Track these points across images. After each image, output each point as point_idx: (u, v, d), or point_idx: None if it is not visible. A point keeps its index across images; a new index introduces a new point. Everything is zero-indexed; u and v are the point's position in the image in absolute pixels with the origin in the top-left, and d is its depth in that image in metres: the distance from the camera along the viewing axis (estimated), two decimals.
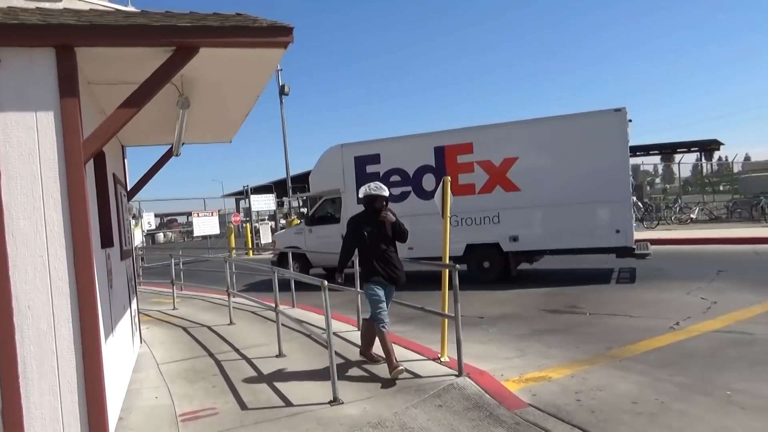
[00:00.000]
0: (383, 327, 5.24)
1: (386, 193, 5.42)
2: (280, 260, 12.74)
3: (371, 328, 5.49)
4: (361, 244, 5.40)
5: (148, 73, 3.69)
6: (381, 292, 5.33)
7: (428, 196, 11.08)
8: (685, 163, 47.05)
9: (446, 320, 5.61)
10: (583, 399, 4.56)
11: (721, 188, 29.40)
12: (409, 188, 11.61)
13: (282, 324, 6.63)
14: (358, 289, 6.79)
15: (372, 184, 5.45)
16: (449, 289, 5.51)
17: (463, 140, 11.20)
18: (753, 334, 6.21)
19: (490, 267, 11.10)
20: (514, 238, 10.79)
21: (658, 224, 20.27)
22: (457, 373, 5.07)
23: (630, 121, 10.58)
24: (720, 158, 47.25)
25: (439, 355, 5.67)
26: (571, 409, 4.34)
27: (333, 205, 12.95)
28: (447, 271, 5.65)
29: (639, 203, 21.67)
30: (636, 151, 46.61)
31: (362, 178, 11.87)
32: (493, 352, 6.17)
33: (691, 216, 21.39)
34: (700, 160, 42.59)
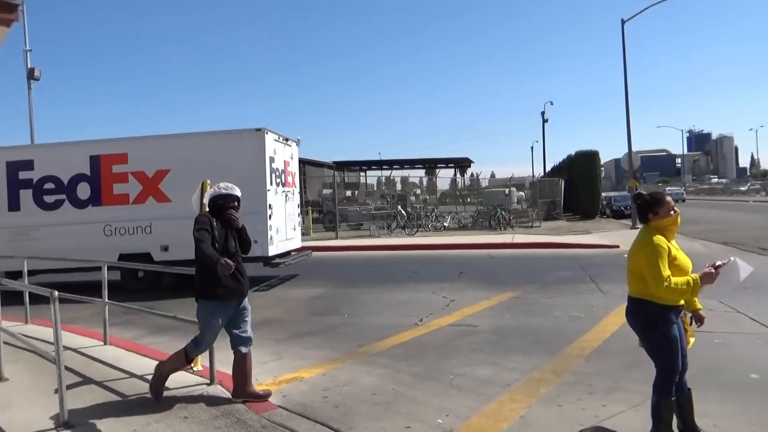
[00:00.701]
0: (191, 355, 4.65)
1: (239, 192, 4.83)
2: None
3: (238, 362, 4.62)
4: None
5: None
6: (220, 316, 4.55)
7: (83, 204, 11.27)
8: (444, 177, 52.71)
9: None
10: (329, 395, 4.82)
11: (469, 200, 33.71)
12: (64, 196, 11.42)
13: (6, 343, 5.73)
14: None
15: (222, 184, 4.84)
16: None
17: (118, 150, 11.33)
18: (477, 326, 7.25)
19: (144, 276, 11.27)
20: (165, 248, 11.04)
21: (417, 231, 22.42)
22: (208, 382, 4.95)
23: (298, 139, 12.44)
24: (472, 174, 54.20)
25: (193, 365, 5.46)
26: (318, 406, 4.55)
27: None
28: None
29: (402, 212, 23.76)
30: (404, 164, 51.12)
31: (14, 184, 11.52)
32: None
33: (444, 224, 24.17)
34: (455, 175, 48.32)
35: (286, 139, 12.06)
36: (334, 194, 23.85)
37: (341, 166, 45.82)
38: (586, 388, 4.81)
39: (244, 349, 4.65)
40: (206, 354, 5.01)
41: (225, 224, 4.69)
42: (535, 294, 9.33)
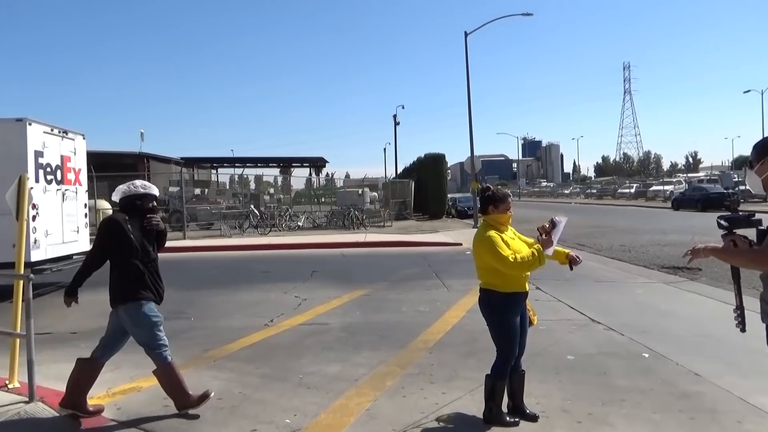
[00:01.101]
0: (169, 359, 4.41)
1: (156, 191, 4.56)
2: None
3: (88, 369, 4.33)
4: (127, 253, 4.26)
5: None
6: (154, 309, 4.45)
7: None
8: (299, 177, 52.33)
9: (17, 340, 4.85)
10: (171, 403, 4.54)
11: (324, 200, 33.91)
12: None
13: None
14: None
15: (137, 182, 4.48)
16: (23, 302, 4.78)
17: None
18: (328, 324, 7.31)
19: None
20: None
21: (270, 230, 22.05)
22: (26, 399, 4.42)
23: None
24: (327, 174, 54.57)
25: (8, 382, 4.85)
26: (157, 416, 4.29)
27: None
28: (21, 282, 4.89)
29: (255, 211, 23.22)
30: (258, 162, 50.03)
31: None
32: None
33: (299, 224, 24.07)
34: (311, 174, 48.39)
35: (65, 132, 10.80)
36: (181, 192, 22.58)
37: (191, 162, 43.70)
38: (428, 378, 5.07)
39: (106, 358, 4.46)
40: (25, 368, 4.47)
41: (144, 226, 4.40)
42: (385, 291, 9.64)
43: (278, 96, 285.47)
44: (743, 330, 2.86)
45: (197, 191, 29.37)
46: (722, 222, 2.94)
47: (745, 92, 58.65)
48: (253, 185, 46.21)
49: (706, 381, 4.84)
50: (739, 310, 2.88)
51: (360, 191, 29.16)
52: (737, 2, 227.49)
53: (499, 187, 4.31)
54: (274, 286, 10.39)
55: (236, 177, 44.86)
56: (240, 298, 9.36)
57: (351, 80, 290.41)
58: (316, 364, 5.60)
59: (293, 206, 30.31)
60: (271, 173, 56.59)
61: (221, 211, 24.57)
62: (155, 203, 4.56)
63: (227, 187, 42.27)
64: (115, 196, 4.55)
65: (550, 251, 3.97)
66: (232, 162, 47.37)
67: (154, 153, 36.23)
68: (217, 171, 49.31)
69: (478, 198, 4.33)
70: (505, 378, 4.00)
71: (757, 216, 2.88)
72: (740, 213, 2.94)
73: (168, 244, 16.63)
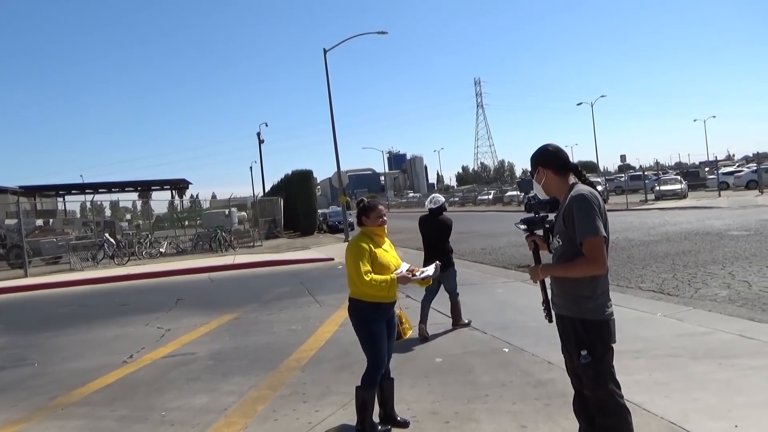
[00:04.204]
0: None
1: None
2: None
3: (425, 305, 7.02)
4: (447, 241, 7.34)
5: None
6: None
7: None
8: (160, 200, 49.40)
9: None
10: None
11: (188, 223, 32.24)
12: None
13: None
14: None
15: (436, 195, 7.46)
16: None
17: None
18: (195, 353, 6.92)
19: None
20: None
21: (129, 260, 20.50)
22: None
23: None
24: (192, 196, 52.01)
25: None
26: None
27: None
28: None
29: (111, 240, 21.48)
30: (112, 187, 46.48)
31: None
32: None
33: (161, 250, 22.62)
34: (173, 197, 45.88)
35: None
36: (20, 224, 20.23)
37: (31, 191, 39.45)
38: (300, 398, 4.97)
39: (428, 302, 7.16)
40: None
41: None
42: (256, 313, 9.35)
43: (134, 117, 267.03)
44: (550, 321, 3.09)
45: (40, 222, 26.49)
46: (520, 226, 3.19)
47: (578, 104, 65.28)
48: (108, 212, 42.69)
49: (557, 368, 5.24)
50: (545, 303, 3.13)
51: (227, 211, 28.09)
52: (567, 24, 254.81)
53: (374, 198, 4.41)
54: (134, 318, 9.64)
55: (88, 204, 41.26)
56: (94, 336, 8.55)
57: (213, 99, 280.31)
58: (181, 398, 5.26)
59: (154, 232, 28.48)
60: (128, 198, 52.59)
61: (70, 243, 22.35)
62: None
63: (77, 215, 38.64)
64: (431, 204, 7.28)
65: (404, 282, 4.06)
66: (81, 188, 43.49)
67: None
68: (64, 199, 45.01)
69: (348, 212, 4.47)
70: (375, 386, 4.02)
71: (551, 217, 3.17)
72: (536, 216, 3.22)
73: (6, 284, 14.97)
